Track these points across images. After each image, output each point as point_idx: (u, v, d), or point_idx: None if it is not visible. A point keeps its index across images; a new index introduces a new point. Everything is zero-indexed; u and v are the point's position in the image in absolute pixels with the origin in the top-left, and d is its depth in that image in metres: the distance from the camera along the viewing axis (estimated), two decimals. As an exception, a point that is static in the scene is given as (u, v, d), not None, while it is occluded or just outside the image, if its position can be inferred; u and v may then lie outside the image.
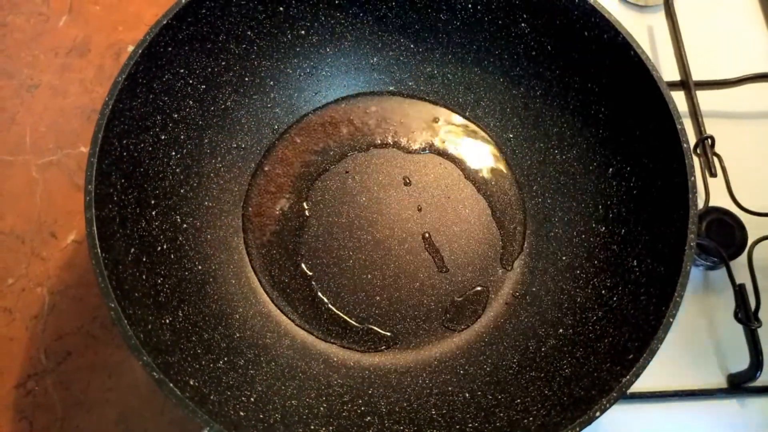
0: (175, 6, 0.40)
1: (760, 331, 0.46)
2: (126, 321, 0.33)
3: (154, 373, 0.32)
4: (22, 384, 0.46)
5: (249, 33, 0.46)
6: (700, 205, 0.47)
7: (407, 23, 0.49)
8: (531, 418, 0.37)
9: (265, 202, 0.49)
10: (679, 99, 0.47)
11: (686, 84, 0.53)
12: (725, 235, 0.49)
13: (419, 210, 0.49)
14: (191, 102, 0.44)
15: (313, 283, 0.47)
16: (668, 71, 0.56)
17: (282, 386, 0.41)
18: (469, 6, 0.47)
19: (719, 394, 0.47)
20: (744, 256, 0.48)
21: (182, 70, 0.43)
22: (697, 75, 0.54)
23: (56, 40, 0.56)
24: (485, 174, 0.51)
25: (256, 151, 0.49)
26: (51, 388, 0.46)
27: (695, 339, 0.49)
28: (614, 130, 0.44)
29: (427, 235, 0.49)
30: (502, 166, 0.51)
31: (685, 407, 0.47)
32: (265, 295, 0.46)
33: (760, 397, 0.47)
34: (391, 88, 0.52)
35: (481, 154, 0.51)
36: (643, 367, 0.34)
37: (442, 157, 0.51)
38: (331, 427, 0.39)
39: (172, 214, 0.43)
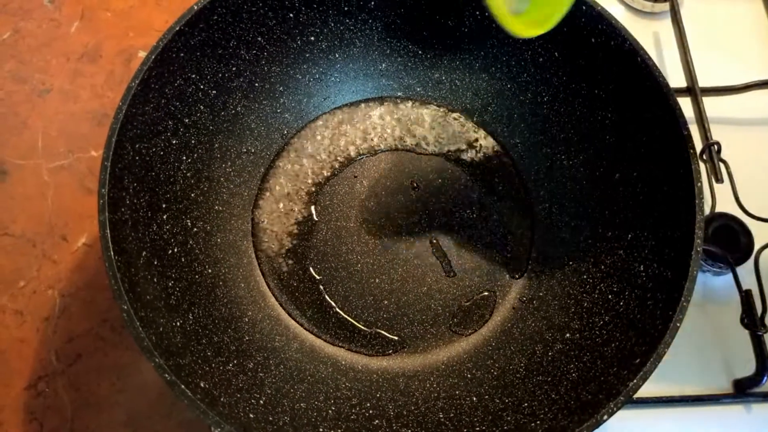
0: (188, 13, 0.40)
1: (766, 336, 0.46)
2: (138, 323, 0.33)
3: (166, 375, 0.33)
4: (33, 385, 0.46)
5: (259, 39, 0.46)
6: (707, 210, 0.47)
7: (415, 30, 0.49)
8: (538, 422, 0.37)
9: (274, 206, 0.49)
10: (685, 105, 0.47)
11: (692, 90, 0.54)
12: (731, 241, 0.49)
13: (427, 214, 0.50)
14: (202, 107, 0.45)
15: (321, 287, 0.47)
16: (674, 77, 0.55)
17: (291, 389, 0.41)
18: (477, 13, 0.47)
19: (725, 399, 0.47)
20: (750, 261, 0.48)
21: (194, 76, 0.43)
22: (703, 81, 0.54)
23: (68, 46, 0.57)
24: (492, 179, 0.51)
25: (265, 156, 0.50)
26: (61, 389, 0.46)
27: (701, 344, 0.49)
28: (621, 136, 0.44)
29: (434, 239, 0.49)
30: (509, 172, 0.51)
31: (691, 412, 0.47)
32: (274, 298, 0.47)
33: (766, 403, 0.47)
34: (399, 94, 0.53)
35: (488, 160, 0.51)
36: (650, 372, 0.34)
37: (450, 162, 0.51)
38: (339, 430, 0.39)
39: (182, 218, 0.43)
